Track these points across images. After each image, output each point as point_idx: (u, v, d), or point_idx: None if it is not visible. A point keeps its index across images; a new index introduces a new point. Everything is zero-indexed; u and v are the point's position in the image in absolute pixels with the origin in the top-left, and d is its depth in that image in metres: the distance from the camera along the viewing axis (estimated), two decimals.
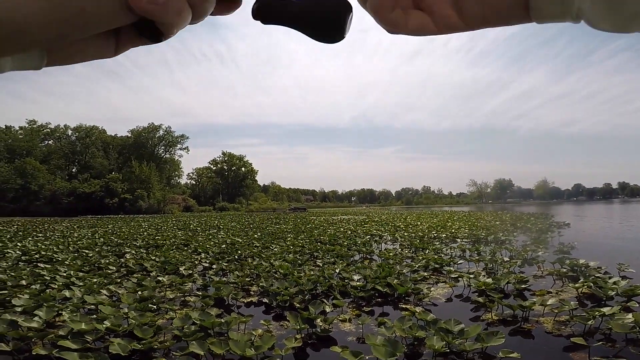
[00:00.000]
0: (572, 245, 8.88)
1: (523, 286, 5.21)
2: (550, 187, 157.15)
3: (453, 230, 14.42)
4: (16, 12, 0.27)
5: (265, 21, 0.31)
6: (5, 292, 4.97)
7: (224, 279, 6.08)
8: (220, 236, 13.68)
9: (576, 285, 5.05)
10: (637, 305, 4.32)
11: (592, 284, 4.97)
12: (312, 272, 6.11)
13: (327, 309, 4.46)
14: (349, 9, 0.30)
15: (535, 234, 12.32)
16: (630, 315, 3.58)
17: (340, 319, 4.17)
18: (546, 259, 7.09)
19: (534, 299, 4.41)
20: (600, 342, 3.33)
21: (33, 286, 5.36)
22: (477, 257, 7.71)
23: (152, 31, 0.31)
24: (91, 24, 0.29)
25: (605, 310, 3.77)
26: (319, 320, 4.00)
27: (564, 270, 6.05)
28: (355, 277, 5.76)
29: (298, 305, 4.60)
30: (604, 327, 3.63)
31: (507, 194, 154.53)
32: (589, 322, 3.64)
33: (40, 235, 15.14)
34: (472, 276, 5.72)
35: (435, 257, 7.56)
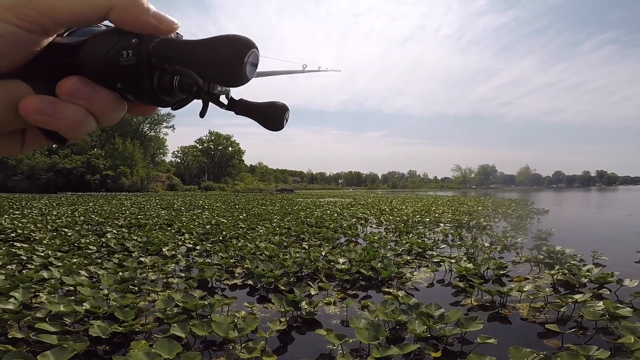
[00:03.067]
0: (549, 232, 9.12)
1: (502, 272, 5.34)
2: (532, 174, 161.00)
3: (437, 215, 14.64)
4: None
5: (237, 113, 0.37)
6: None
7: (208, 260, 6.05)
8: (204, 216, 13.57)
9: (552, 272, 5.20)
10: (609, 292, 4.48)
11: (566, 271, 5.13)
12: (297, 255, 6.13)
13: (313, 292, 4.49)
14: (286, 108, 0.38)
15: (516, 220, 12.61)
16: (600, 303, 3.71)
17: (325, 301, 4.21)
18: (524, 246, 7.27)
19: (512, 285, 4.53)
20: (573, 330, 3.45)
21: (9, 266, 5.22)
22: (459, 242, 7.87)
23: (55, 135, 0.31)
24: None
25: (578, 297, 3.91)
26: (304, 303, 4.03)
27: (541, 256, 6.22)
28: (341, 260, 5.81)
29: (283, 287, 4.62)
30: (576, 315, 3.76)
31: (490, 180, 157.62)
32: (562, 309, 3.76)
33: (17, 212, 14.74)
34: (453, 261, 5.84)
35: (419, 241, 7.67)
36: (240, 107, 0.37)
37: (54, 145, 0.35)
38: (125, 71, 0.30)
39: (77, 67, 0.30)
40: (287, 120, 0.38)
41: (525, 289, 4.30)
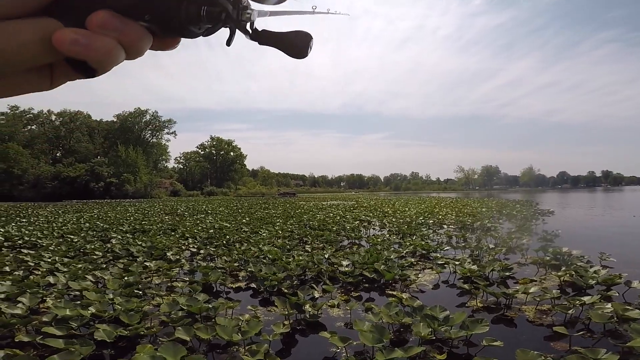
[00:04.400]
0: (555, 233, 9.05)
1: (507, 274, 5.31)
2: (536, 175, 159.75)
3: (440, 217, 14.59)
4: None
5: (261, 43, 0.38)
6: None
7: (212, 264, 6.06)
8: (208, 221, 13.60)
9: (558, 273, 5.16)
10: (617, 294, 4.40)
11: (573, 273, 5.08)
12: (301, 258, 6.13)
13: (316, 295, 4.49)
14: (310, 37, 0.38)
15: (520, 222, 12.55)
16: (609, 305, 3.66)
17: (329, 304, 4.20)
18: (530, 247, 7.23)
19: (517, 287, 4.50)
20: (580, 332, 3.41)
21: (16, 272, 5.26)
22: (463, 244, 7.83)
23: (84, 67, 0.32)
24: (13, 63, 0.30)
25: (586, 299, 3.86)
26: (307, 305, 4.02)
27: (547, 258, 6.18)
28: (344, 263, 5.80)
29: (286, 290, 4.62)
30: (584, 317, 3.71)
31: (494, 181, 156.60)
32: (570, 311, 3.72)
33: (23, 220, 14.86)
34: (457, 263, 5.81)
35: (422, 243, 7.65)
36: (264, 37, 0.37)
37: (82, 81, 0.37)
38: (154, 3, 0.31)
39: (105, 2, 0.31)
40: (311, 49, 0.38)
41: (531, 291, 4.27)
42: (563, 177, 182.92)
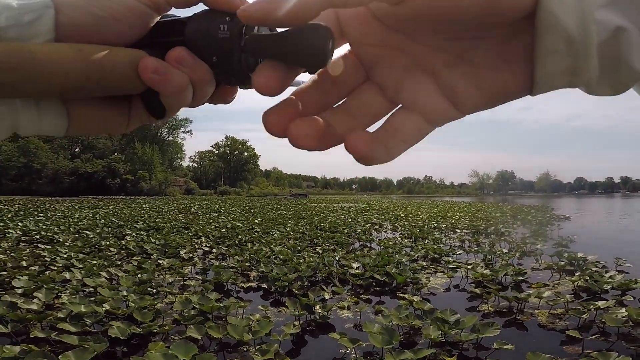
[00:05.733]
0: (571, 239, 8.89)
1: (520, 278, 5.23)
2: (552, 180, 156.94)
3: (453, 221, 14.44)
4: (46, 53, 0.29)
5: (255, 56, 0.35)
6: (5, 273, 4.99)
7: (224, 263, 6.13)
8: (220, 220, 13.74)
9: (572, 278, 5.08)
10: (632, 299, 4.32)
11: (587, 278, 5.00)
12: (311, 259, 6.15)
13: (326, 296, 4.50)
14: (325, 34, 0.30)
15: (535, 227, 12.34)
16: (623, 310, 3.61)
17: (338, 306, 4.21)
18: (544, 252, 7.11)
19: (530, 291, 4.44)
20: (594, 336, 3.36)
21: (33, 267, 5.40)
22: (476, 248, 7.74)
23: (157, 105, 0.35)
24: (106, 82, 0.32)
25: (600, 303, 3.81)
26: (317, 307, 4.03)
27: (562, 263, 6.07)
28: (355, 265, 5.79)
29: (297, 291, 4.64)
30: (598, 321, 3.66)
31: (509, 186, 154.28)
32: (584, 316, 3.67)
33: (41, 215, 15.24)
34: (470, 267, 5.75)
35: (435, 247, 7.58)
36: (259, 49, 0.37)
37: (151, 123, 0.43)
38: (221, 44, 0.34)
39: (181, 43, 0.34)
40: (332, 53, 0.31)
41: (544, 295, 4.21)
42: (580, 183, 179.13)
